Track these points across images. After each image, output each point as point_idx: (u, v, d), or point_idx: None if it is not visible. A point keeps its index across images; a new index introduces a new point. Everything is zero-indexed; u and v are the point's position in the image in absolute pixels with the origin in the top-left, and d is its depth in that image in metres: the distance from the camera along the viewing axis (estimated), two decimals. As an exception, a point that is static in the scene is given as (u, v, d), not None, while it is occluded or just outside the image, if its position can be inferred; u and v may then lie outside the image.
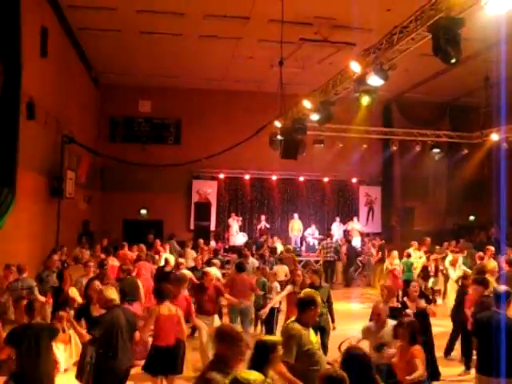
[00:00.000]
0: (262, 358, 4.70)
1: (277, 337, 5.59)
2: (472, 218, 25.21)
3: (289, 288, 10.22)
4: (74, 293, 9.60)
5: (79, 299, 9.38)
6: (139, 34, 17.04)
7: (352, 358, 4.84)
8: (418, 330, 6.55)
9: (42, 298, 9.38)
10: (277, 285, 12.26)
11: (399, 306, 8.88)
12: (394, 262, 15.89)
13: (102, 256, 13.80)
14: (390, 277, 15.79)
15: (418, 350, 6.33)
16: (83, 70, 20.08)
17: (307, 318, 5.83)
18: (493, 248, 14.89)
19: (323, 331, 9.51)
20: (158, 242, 16.68)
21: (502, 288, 7.17)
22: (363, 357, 4.88)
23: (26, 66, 11.67)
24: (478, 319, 7.08)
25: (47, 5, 14.26)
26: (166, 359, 7.69)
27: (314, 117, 15.54)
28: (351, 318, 12.56)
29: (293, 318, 5.98)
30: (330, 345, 9.81)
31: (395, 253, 16.13)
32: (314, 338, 5.96)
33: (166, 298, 7.88)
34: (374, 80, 11.37)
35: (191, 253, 16.34)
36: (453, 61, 8.88)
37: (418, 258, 16.42)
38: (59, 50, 15.71)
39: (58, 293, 10.58)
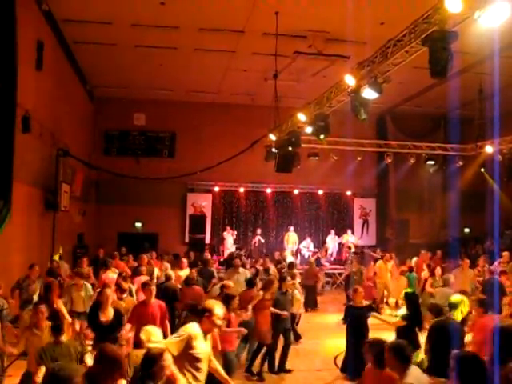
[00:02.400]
0: (149, 368, 4.71)
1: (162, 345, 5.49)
2: (467, 230, 25.22)
3: (260, 294, 10.32)
4: (60, 305, 9.45)
5: (65, 313, 9.21)
6: (134, 47, 17.10)
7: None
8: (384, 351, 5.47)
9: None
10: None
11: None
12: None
13: (87, 269, 13.58)
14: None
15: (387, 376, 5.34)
16: (78, 84, 20.13)
17: (204, 324, 5.85)
18: (467, 260, 15.11)
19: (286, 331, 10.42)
20: (154, 254, 16.61)
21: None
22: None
23: (22, 80, 11.72)
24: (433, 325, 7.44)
25: (43, 19, 14.31)
26: None
27: (309, 130, 15.56)
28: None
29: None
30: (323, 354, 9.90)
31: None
32: (206, 347, 5.90)
33: None
34: (369, 93, 11.39)
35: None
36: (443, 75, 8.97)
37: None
38: (54, 64, 15.75)
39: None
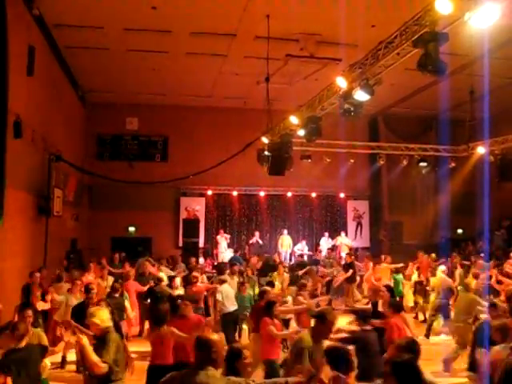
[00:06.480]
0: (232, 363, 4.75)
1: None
2: (460, 231, 25.28)
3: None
4: (42, 306, 9.41)
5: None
6: (126, 51, 17.06)
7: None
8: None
9: None
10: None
11: None
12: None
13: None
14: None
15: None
16: (70, 88, 20.05)
17: None
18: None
19: None
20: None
21: None
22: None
23: (13, 85, 11.68)
24: None
25: (34, 24, 14.25)
26: None
27: (301, 132, 15.58)
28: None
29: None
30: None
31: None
32: None
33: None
34: (360, 95, 11.43)
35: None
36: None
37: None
38: (46, 69, 15.69)
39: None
